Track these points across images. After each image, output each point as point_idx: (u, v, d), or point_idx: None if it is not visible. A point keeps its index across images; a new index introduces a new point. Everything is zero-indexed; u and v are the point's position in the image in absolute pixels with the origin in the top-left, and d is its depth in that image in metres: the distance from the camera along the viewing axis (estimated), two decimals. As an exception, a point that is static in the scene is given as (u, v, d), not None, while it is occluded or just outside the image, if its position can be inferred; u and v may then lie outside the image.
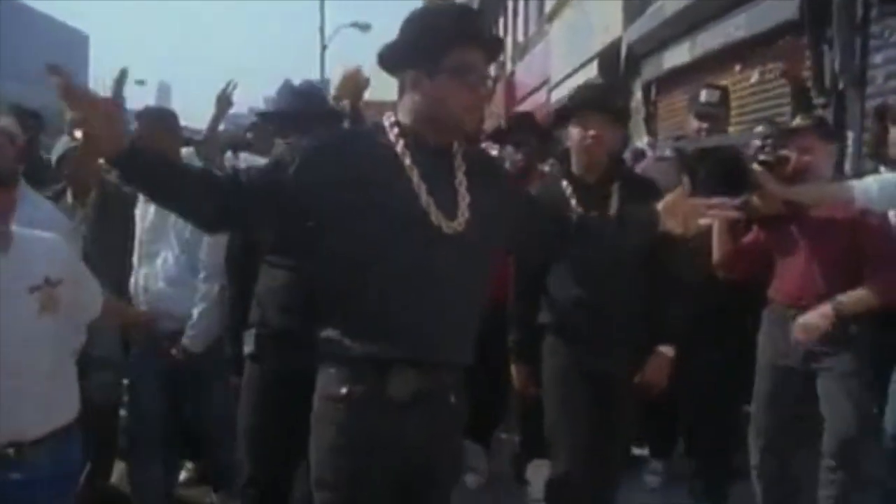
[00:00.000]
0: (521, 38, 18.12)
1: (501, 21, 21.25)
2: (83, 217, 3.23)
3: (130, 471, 3.23)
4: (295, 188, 1.73)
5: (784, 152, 2.86)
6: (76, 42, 47.88)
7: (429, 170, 1.78)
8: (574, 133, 2.70)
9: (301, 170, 1.74)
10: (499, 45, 1.93)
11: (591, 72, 10.13)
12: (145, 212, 3.19)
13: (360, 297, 1.74)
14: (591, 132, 2.65)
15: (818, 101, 5.10)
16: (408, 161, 1.77)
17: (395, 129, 1.81)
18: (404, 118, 1.82)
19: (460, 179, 1.80)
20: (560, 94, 12.38)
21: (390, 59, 1.83)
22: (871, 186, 2.65)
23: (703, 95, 3.49)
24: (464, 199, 1.79)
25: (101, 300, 2.19)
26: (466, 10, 1.90)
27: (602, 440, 2.68)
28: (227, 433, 2.93)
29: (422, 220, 1.74)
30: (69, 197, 3.29)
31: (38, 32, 38.64)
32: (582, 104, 2.75)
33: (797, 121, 2.98)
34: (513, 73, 18.55)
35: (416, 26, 1.81)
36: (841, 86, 4.78)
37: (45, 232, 2.04)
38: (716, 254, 3.03)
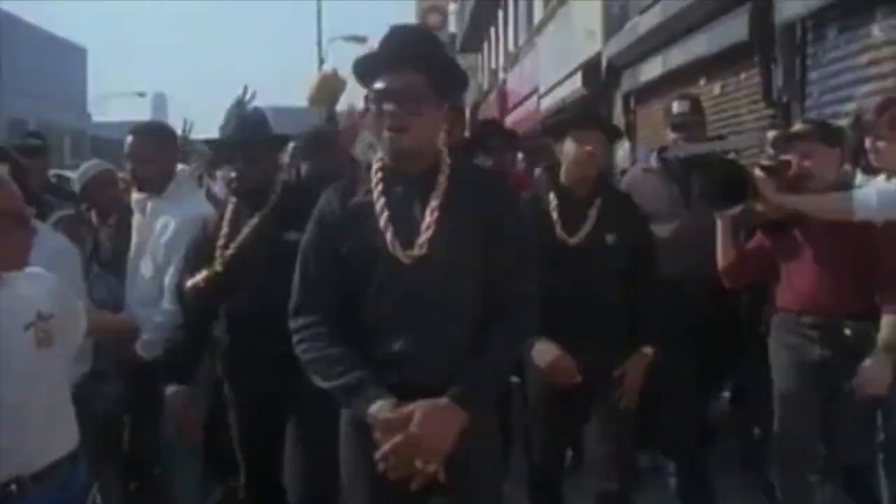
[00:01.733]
0: (511, 47, 18.75)
1: (493, 30, 21.93)
2: (107, 236, 3.48)
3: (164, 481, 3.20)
4: (326, 259, 1.91)
5: (785, 157, 2.83)
6: (75, 57, 48.32)
7: (400, 201, 1.86)
8: (569, 148, 2.76)
9: (320, 243, 1.93)
10: (436, 63, 1.90)
11: (576, 82, 10.78)
12: (138, 227, 3.23)
13: (355, 330, 1.86)
14: (588, 148, 2.72)
15: (767, 112, 5.81)
16: (376, 197, 1.87)
17: (377, 164, 1.93)
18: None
19: (434, 204, 1.84)
20: (548, 102, 13.05)
21: (357, 77, 1.92)
22: (870, 197, 2.62)
23: (675, 107, 3.54)
24: (429, 224, 1.82)
25: (85, 322, 2.18)
26: (395, 32, 1.90)
27: (600, 423, 2.74)
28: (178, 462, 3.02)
29: (383, 254, 1.82)
30: (93, 217, 3.58)
31: (37, 48, 39.07)
32: (578, 119, 2.85)
33: (798, 125, 2.97)
34: (505, 81, 19.22)
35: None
36: (784, 99, 5.45)
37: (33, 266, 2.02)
38: (721, 262, 2.96)
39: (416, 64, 1.81)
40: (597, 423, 2.74)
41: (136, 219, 3.23)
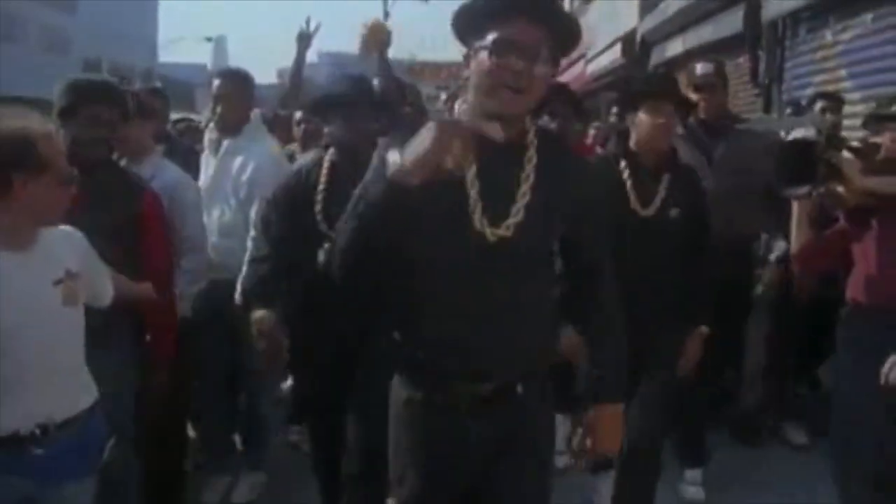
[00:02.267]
0: (566, 7, 19.75)
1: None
2: None
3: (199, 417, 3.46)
4: (384, 210, 1.60)
5: (875, 139, 2.70)
6: (147, 1, 49.98)
7: (489, 171, 1.66)
8: (644, 119, 2.75)
9: (380, 193, 1.60)
10: (558, 18, 1.66)
11: (616, 53, 12.01)
12: (207, 164, 3.40)
13: (417, 307, 1.72)
14: (661, 120, 2.73)
15: (753, 91, 7.08)
16: (466, 161, 1.57)
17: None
18: (470, 106, 1.71)
19: (527, 184, 1.68)
20: (592, 68, 14.27)
21: (455, 28, 1.70)
22: None
23: (699, 68, 3.55)
24: (523, 198, 1.67)
25: (111, 289, 2.22)
26: None
27: (644, 395, 2.74)
28: (262, 383, 3.29)
29: (467, 228, 1.65)
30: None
31: (112, -7, 40.78)
32: (655, 93, 2.80)
33: (894, 107, 2.81)
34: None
35: None
36: (766, 82, 6.72)
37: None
38: (794, 245, 2.82)
39: (535, 15, 1.61)
40: (640, 393, 2.73)
41: (205, 157, 3.44)
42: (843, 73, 5.64)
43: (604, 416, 1.81)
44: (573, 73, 16.54)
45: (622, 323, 1.86)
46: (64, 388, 1.97)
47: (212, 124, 3.45)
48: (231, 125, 3.28)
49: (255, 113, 3.44)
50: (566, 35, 1.68)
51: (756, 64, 6.86)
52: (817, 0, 5.81)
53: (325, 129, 2.64)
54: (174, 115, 5.02)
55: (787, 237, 3.20)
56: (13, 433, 1.88)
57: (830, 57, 5.76)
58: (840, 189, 2.56)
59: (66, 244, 2.02)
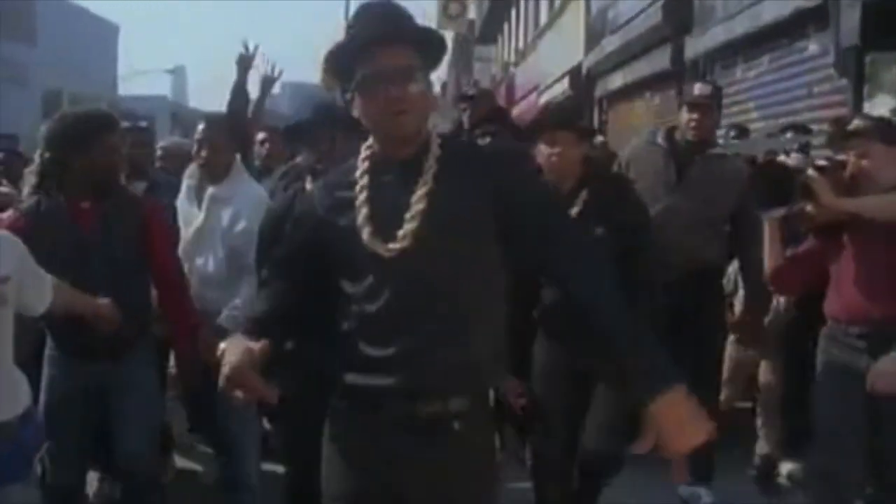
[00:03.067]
0: (521, 45, 20.66)
1: (506, 26, 23.77)
2: None
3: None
4: (298, 252, 1.78)
5: (841, 157, 2.72)
6: (107, 33, 50.12)
7: (385, 191, 1.68)
8: (542, 149, 2.79)
9: (297, 229, 1.79)
10: (417, 34, 1.69)
11: (564, 85, 12.95)
12: (188, 214, 3.26)
13: (346, 331, 1.71)
14: (556, 150, 2.74)
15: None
16: (358, 188, 1.69)
17: (366, 153, 1.75)
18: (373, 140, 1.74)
19: (421, 192, 1.65)
20: (545, 99, 15.21)
21: (331, 74, 1.77)
22: None
23: (697, 88, 3.57)
24: (417, 205, 1.64)
25: (49, 297, 2.16)
26: (372, 6, 1.71)
27: (601, 398, 2.76)
28: (239, 426, 3.00)
29: (363, 248, 1.66)
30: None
31: (72, 24, 40.94)
32: (549, 123, 2.84)
33: (856, 122, 2.83)
34: (514, 75, 21.21)
35: (346, 33, 1.72)
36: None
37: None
38: (768, 265, 2.81)
39: (403, 39, 1.66)
40: (598, 398, 2.77)
41: (182, 203, 3.29)
42: (751, 104, 6.55)
43: (674, 404, 1.51)
44: (527, 104, 17.45)
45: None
46: None
47: (190, 170, 3.33)
48: (218, 171, 3.17)
49: (237, 158, 3.37)
50: (432, 46, 1.73)
51: (682, 96, 7.75)
52: (726, 43, 6.73)
53: (298, 158, 2.72)
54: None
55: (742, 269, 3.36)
56: None
57: (741, 91, 6.67)
58: (809, 208, 2.62)
59: None
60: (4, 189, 3.96)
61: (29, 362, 2.47)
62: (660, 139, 3.52)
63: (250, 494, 3.13)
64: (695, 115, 3.42)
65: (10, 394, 2.02)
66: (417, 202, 1.66)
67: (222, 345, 1.68)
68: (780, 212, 2.67)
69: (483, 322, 1.71)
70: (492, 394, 1.81)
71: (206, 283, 3.13)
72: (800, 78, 5.74)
